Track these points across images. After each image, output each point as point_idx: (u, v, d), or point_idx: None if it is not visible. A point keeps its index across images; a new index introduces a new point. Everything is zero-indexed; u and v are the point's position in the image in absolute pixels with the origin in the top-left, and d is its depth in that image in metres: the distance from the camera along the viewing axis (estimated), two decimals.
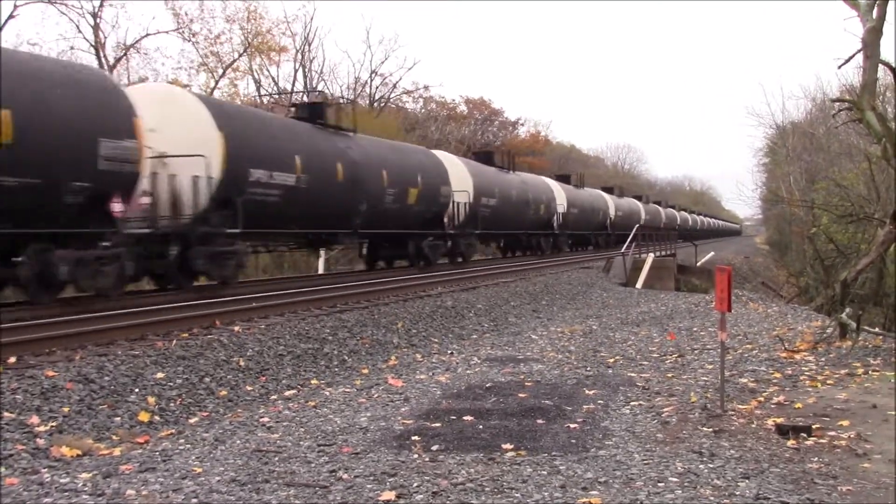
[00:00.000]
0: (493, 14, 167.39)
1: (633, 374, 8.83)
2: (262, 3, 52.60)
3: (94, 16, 31.75)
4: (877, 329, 11.68)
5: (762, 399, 7.32)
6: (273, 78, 41.03)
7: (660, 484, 4.85)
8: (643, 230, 33.89)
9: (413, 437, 6.04)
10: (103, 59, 32.05)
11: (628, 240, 29.08)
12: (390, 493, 4.71)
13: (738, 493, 4.67)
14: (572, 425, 6.38)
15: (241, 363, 9.16)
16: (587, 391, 7.80)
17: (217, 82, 35.80)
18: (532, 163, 52.70)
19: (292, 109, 19.79)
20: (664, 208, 66.94)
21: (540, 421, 6.53)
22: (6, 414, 6.51)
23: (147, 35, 35.21)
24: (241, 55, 36.45)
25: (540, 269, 24.48)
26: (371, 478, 5.06)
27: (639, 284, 24.72)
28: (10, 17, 28.82)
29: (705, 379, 8.36)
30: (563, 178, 40.73)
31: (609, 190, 49.99)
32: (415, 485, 4.88)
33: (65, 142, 11.04)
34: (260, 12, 37.47)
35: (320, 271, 24.66)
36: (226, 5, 39.84)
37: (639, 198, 59.47)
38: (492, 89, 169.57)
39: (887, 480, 4.97)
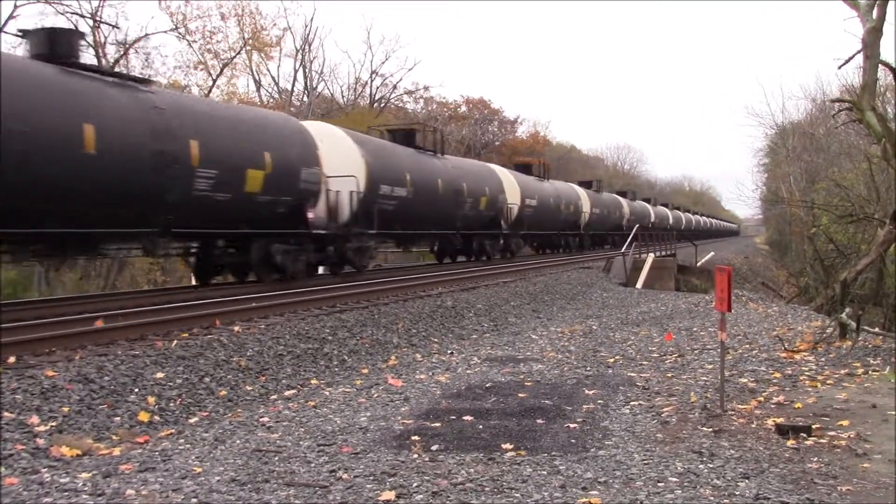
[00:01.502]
0: (493, 14, 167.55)
1: (632, 374, 8.83)
2: (256, 1, 52.60)
3: (94, 16, 31.74)
4: (877, 329, 11.69)
5: (762, 399, 7.32)
6: (273, 78, 41.08)
7: (659, 484, 4.85)
8: (642, 230, 33.55)
9: (413, 437, 6.04)
10: (103, 60, 32.02)
11: (628, 239, 29.10)
12: (390, 493, 4.71)
13: (737, 493, 4.67)
14: (572, 425, 6.38)
15: (241, 363, 9.16)
16: (587, 391, 7.80)
17: (215, 81, 35.81)
18: (532, 163, 52.42)
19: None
20: (630, 200, 51.19)
21: (540, 421, 6.53)
22: (6, 414, 6.51)
23: (146, 35, 35.23)
24: (237, 53, 36.46)
25: (539, 269, 24.48)
26: (371, 478, 5.06)
27: (639, 284, 24.73)
28: (11, 17, 28.83)
29: (705, 379, 8.36)
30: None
31: (526, 169, 33.49)
32: (414, 485, 4.88)
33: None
34: (254, 9, 37.59)
35: (320, 271, 24.63)
36: (221, 3, 39.81)
37: (589, 185, 42.49)
38: (491, 89, 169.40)
39: (887, 480, 4.97)
